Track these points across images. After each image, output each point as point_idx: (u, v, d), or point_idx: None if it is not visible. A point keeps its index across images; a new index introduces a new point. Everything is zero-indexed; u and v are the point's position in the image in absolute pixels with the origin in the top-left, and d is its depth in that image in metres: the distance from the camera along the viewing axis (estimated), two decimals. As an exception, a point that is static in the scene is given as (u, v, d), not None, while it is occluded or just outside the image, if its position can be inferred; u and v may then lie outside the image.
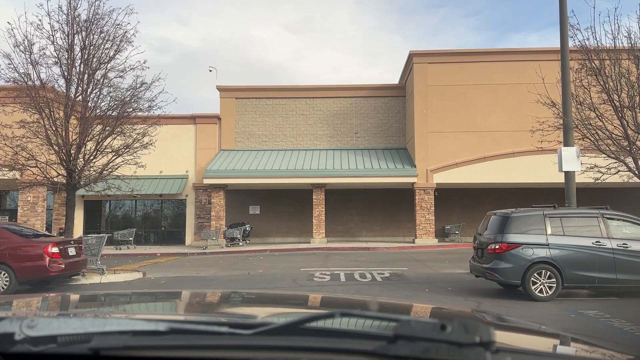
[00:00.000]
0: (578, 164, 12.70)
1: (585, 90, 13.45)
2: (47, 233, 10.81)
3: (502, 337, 1.24)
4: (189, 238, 27.00)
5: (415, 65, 24.67)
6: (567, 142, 12.93)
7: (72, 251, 10.35)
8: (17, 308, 1.68)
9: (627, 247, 9.07)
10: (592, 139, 13.48)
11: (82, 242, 11.06)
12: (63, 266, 10.00)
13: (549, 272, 8.88)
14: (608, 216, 9.38)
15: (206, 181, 24.87)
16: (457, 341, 0.85)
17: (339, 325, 1.12)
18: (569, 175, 12.88)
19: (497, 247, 9.09)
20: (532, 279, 8.86)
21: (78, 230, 27.61)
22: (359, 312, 1.20)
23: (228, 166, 25.24)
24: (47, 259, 9.87)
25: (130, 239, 24.86)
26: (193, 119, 27.69)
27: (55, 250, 9.78)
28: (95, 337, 0.97)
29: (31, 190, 20.57)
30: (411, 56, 25.03)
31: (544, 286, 8.87)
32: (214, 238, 23.83)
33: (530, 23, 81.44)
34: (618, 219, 9.50)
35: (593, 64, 13.28)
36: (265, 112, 28.14)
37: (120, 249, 23.71)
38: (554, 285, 8.84)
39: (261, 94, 28.23)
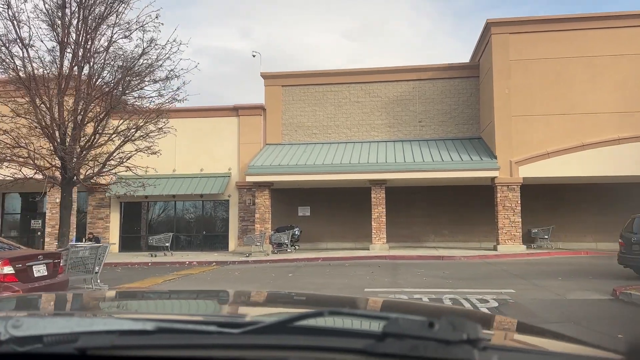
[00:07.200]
0: None
1: None
2: (17, 245, 7.96)
3: (494, 336, 1.34)
4: (232, 243, 24.16)
5: (494, 37, 20.59)
6: None
7: (40, 270, 7.22)
8: (1, 308, 1.65)
9: None
10: None
11: (59, 257, 7.90)
12: (20, 294, 6.98)
13: None
14: None
15: (249, 178, 21.89)
16: (445, 339, 0.85)
17: (328, 323, 1.13)
18: None
19: None
20: None
21: (114, 235, 25.46)
22: (348, 311, 1.22)
23: (274, 161, 22.16)
24: None
25: (167, 244, 22.18)
26: (235, 110, 24.85)
27: (8, 270, 6.72)
28: (82, 337, 0.96)
29: (57, 191, 18.30)
30: (488, 26, 20.96)
31: None
32: (258, 244, 20.74)
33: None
34: None
35: None
36: (315, 101, 24.88)
37: (155, 256, 21.05)
38: None
39: (310, 80, 24.96)
